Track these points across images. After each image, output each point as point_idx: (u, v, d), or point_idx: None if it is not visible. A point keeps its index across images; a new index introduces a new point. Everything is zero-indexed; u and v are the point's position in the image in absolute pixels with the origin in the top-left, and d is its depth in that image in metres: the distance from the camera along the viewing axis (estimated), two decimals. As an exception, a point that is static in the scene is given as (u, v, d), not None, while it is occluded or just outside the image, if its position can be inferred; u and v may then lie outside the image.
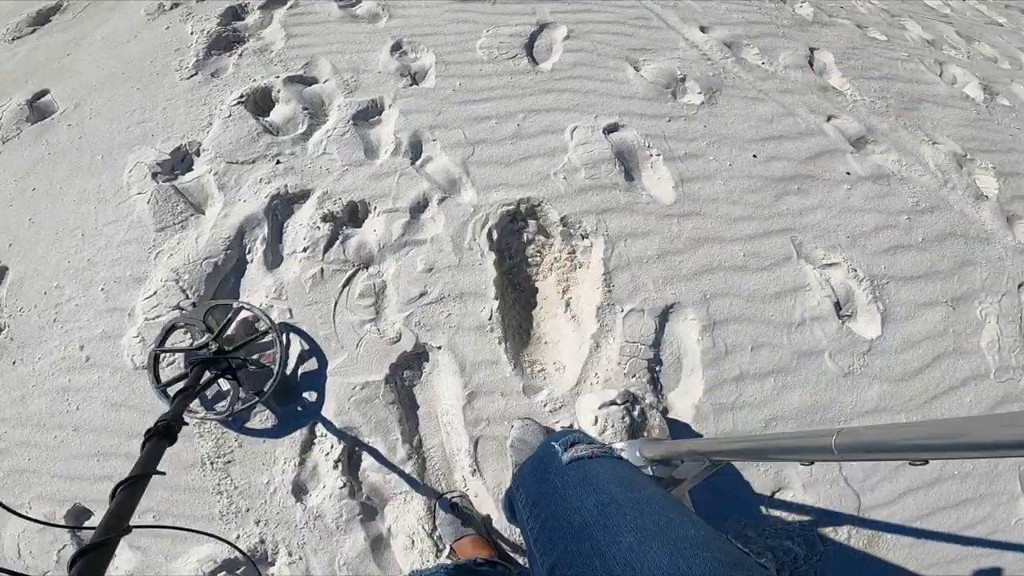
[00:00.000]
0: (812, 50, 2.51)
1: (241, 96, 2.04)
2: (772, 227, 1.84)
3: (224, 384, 1.48)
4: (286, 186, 1.80)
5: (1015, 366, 1.74)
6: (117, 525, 0.60)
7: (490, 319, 1.63)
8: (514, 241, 1.80)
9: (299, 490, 1.43)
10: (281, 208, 1.79)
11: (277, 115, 2.03)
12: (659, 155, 1.96)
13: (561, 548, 0.62)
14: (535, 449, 1.17)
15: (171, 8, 2.50)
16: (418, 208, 1.80)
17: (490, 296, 1.66)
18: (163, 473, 0.75)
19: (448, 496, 1.42)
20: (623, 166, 1.91)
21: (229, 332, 1.53)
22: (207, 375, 1.29)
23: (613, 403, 1.45)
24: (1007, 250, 1.94)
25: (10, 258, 1.76)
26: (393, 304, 1.64)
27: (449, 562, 1.22)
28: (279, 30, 2.33)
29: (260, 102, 2.09)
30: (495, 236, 1.76)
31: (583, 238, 1.77)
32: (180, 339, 1.55)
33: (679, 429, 1.52)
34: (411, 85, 2.12)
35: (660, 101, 2.12)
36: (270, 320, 1.52)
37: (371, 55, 2.22)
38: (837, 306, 1.74)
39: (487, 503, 1.44)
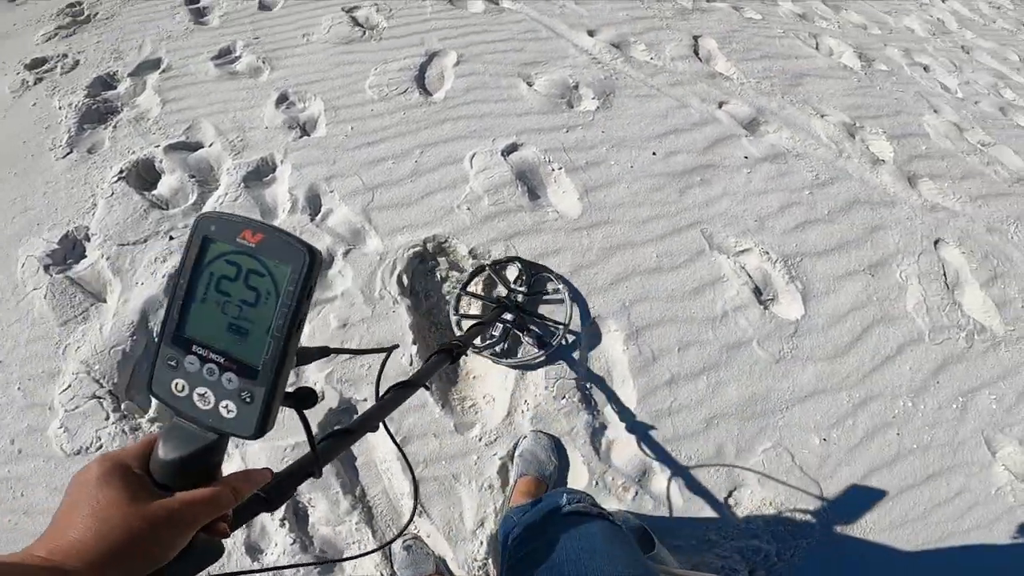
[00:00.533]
0: (696, 38, 2.57)
1: (121, 171, 1.95)
2: (681, 223, 1.86)
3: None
4: None
5: (948, 325, 1.77)
6: (374, 419, 0.65)
7: (411, 365, 1.59)
8: (428, 281, 1.77)
9: (253, 550, 1.41)
10: (180, 287, 1.71)
11: (164, 187, 1.94)
12: (560, 168, 1.95)
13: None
14: (542, 464, 1.37)
15: (35, 83, 2.38)
16: (324, 265, 1.74)
17: (408, 342, 1.62)
18: (429, 387, 0.90)
19: (402, 540, 1.42)
20: (526, 186, 1.90)
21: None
22: (505, 317, 1.48)
23: None
24: (915, 209, 2.01)
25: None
26: (312, 365, 1.59)
27: None
28: (153, 96, 2.24)
29: (144, 175, 2.00)
30: (406, 280, 1.72)
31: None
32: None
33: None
34: (301, 137, 2.06)
35: (556, 113, 2.13)
36: (568, 285, 1.68)
37: (255, 111, 2.15)
38: (757, 292, 1.76)
39: (440, 542, 1.43)
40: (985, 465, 1.57)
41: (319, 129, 2.09)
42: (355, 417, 0.64)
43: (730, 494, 1.50)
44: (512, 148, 2.00)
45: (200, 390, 0.43)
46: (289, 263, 0.41)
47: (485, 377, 1.65)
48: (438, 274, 1.77)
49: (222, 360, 0.42)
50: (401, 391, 0.72)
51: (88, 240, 1.81)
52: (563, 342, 1.62)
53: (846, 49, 2.66)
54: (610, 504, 1.44)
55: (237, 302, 0.42)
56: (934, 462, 1.56)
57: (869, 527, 1.48)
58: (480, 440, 1.52)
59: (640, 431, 1.53)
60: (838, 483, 1.53)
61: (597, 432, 1.54)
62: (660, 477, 1.49)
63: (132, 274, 1.73)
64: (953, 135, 2.36)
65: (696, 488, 1.49)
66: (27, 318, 1.69)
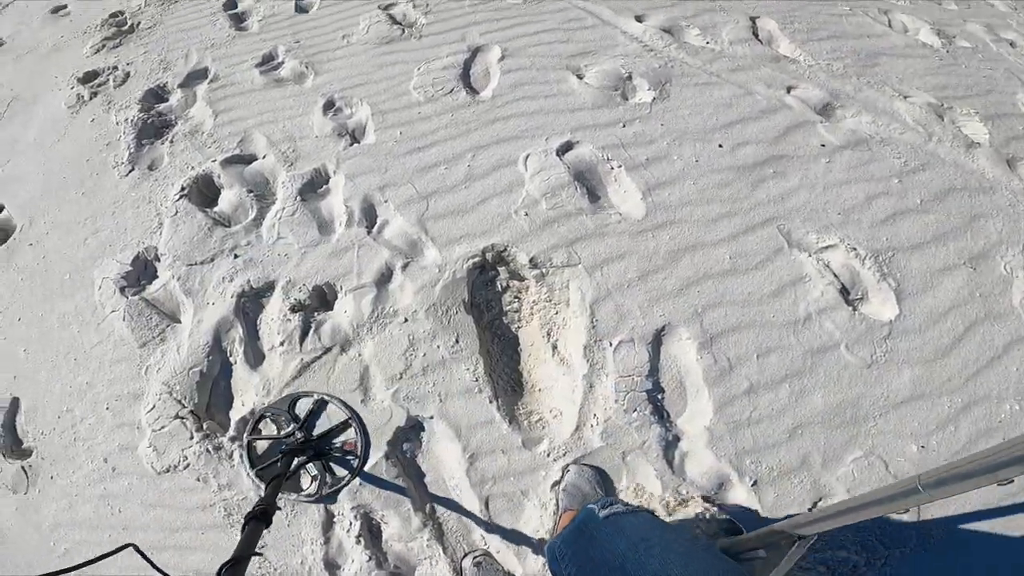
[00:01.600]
0: (753, 19, 2.41)
1: (183, 188, 1.98)
2: (755, 220, 1.74)
3: (312, 468, 1.57)
4: (249, 281, 1.75)
5: None
6: None
7: (476, 380, 1.56)
8: (489, 292, 1.71)
9: (331, 566, 1.45)
10: (250, 305, 1.74)
11: (224, 203, 1.96)
12: (620, 166, 1.86)
13: None
14: (586, 496, 1.35)
15: (90, 98, 2.44)
16: (383, 280, 1.71)
17: (473, 357, 1.58)
18: (261, 554, 0.92)
19: (472, 555, 1.43)
20: (585, 187, 1.82)
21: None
22: (296, 461, 1.42)
23: None
24: (1016, 195, 1.83)
25: (18, 389, 1.77)
26: (378, 383, 1.58)
27: None
28: (205, 108, 2.25)
29: (204, 191, 2.02)
30: (467, 293, 1.68)
31: (558, 275, 1.69)
32: (269, 428, 1.63)
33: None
34: (352, 144, 2.03)
35: (611, 107, 2.03)
36: (350, 409, 1.58)
37: (304, 119, 2.14)
38: (844, 292, 1.64)
39: (509, 558, 1.42)
40: None
41: (368, 136, 2.05)
42: None
43: (815, 504, 1.41)
44: (567, 147, 1.92)
45: None
46: None
47: (551, 390, 1.59)
48: (498, 284, 1.72)
49: None
50: (233, 569, 0.74)
51: (158, 260, 1.87)
52: (361, 465, 1.51)
53: (922, 25, 2.45)
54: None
55: None
56: None
57: (971, 537, 1.37)
58: (548, 456, 1.48)
59: (717, 443, 1.45)
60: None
61: (671, 445, 1.47)
62: (739, 489, 1.41)
63: (203, 294, 1.77)
64: (1052, 112, 2.15)
65: (778, 500, 1.41)
66: (109, 340, 1.76)
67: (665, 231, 1.72)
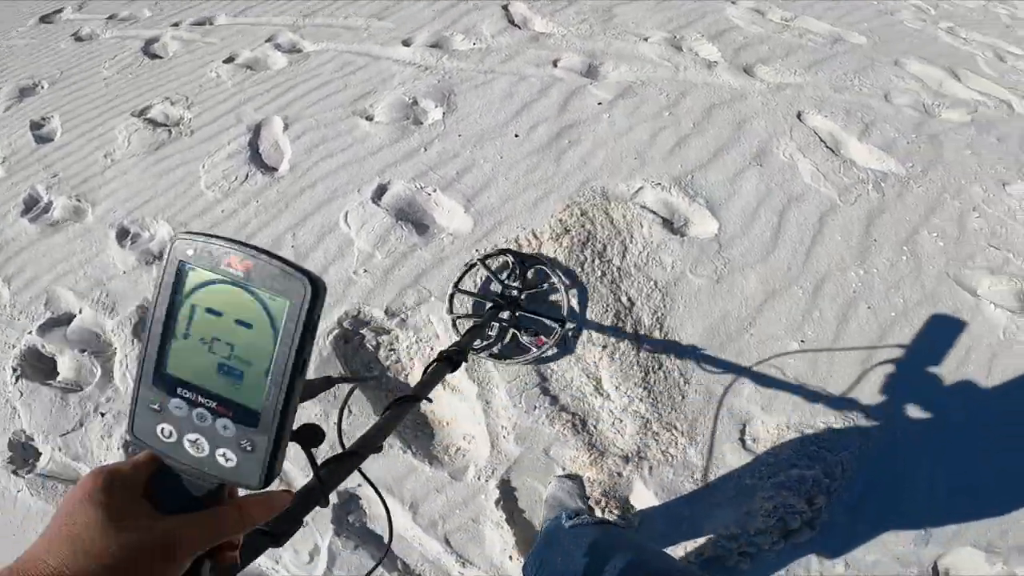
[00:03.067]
0: (505, 7, 2.61)
1: (15, 370, 1.77)
2: (569, 189, 1.89)
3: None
4: (125, 433, 1.61)
5: (852, 183, 1.87)
6: (376, 439, 0.65)
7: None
8: (363, 355, 1.71)
9: None
10: (137, 450, 1.60)
11: (65, 370, 1.77)
12: (435, 189, 1.93)
13: None
14: (564, 507, 1.39)
15: None
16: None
17: (370, 420, 1.58)
18: (431, 399, 0.84)
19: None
20: (410, 222, 1.87)
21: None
22: (501, 318, 1.47)
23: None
24: (763, 94, 2.13)
25: None
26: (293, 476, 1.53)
27: None
28: (-10, 280, 2.01)
29: (38, 364, 1.81)
30: (341, 366, 1.67)
31: (416, 314, 1.73)
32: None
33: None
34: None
35: (407, 136, 2.10)
36: (568, 291, 1.64)
37: (102, 258, 1.97)
38: (668, 224, 1.82)
39: None
40: (972, 308, 1.64)
41: (176, 255, 1.95)
42: (356, 438, 0.63)
43: (743, 434, 1.52)
44: (381, 191, 1.95)
45: (191, 436, 0.39)
46: (287, 296, 0.37)
47: (456, 419, 1.63)
48: (368, 344, 1.73)
49: (214, 405, 0.39)
50: (402, 406, 0.72)
51: (32, 440, 1.69)
52: (566, 336, 1.62)
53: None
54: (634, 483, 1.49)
55: (227, 341, 0.38)
56: (920, 321, 1.61)
57: (900, 409, 1.49)
58: (479, 478, 1.52)
59: (629, 407, 1.57)
60: (842, 380, 1.55)
61: (584, 421, 1.57)
62: (668, 439, 1.54)
63: (91, 456, 1.64)
64: (758, 20, 2.53)
65: (705, 442, 1.52)
66: (31, 514, 1.59)
67: (497, 232, 1.82)
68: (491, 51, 2.38)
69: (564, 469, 1.52)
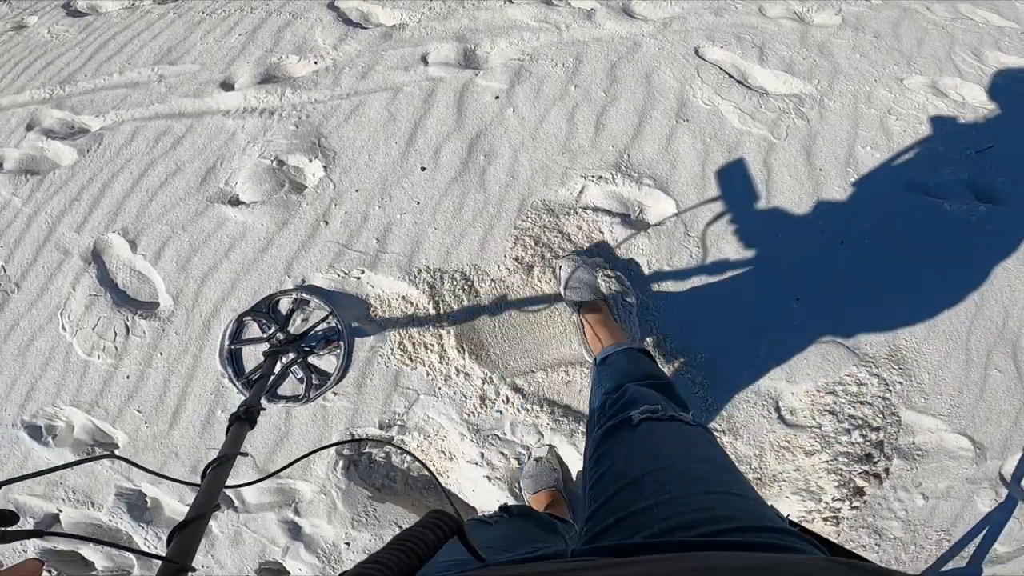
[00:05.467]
0: (332, 5, 2.19)
1: None
2: (509, 214, 1.69)
3: (299, 372, 1.55)
4: None
5: (776, 114, 1.84)
6: (208, 503, 0.70)
7: None
8: (376, 468, 1.52)
9: None
10: None
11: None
12: (363, 270, 1.66)
13: (611, 493, 0.69)
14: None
15: None
16: None
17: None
18: (247, 454, 0.86)
19: (536, 449, 1.51)
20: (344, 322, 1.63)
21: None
22: (281, 363, 1.46)
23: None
24: (655, 36, 2.01)
25: None
26: None
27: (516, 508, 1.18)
28: None
29: None
30: (366, 487, 1.47)
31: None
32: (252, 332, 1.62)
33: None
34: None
35: (296, 212, 1.76)
36: (329, 306, 1.58)
37: (33, 460, 1.52)
38: (626, 220, 1.71)
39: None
40: (932, 209, 1.77)
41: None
42: (192, 504, 0.69)
43: (778, 410, 1.57)
44: (300, 286, 1.65)
45: None
46: None
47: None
48: (378, 460, 1.53)
49: None
50: (217, 468, 0.77)
51: None
52: (344, 365, 1.57)
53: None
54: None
55: None
56: (893, 242, 1.70)
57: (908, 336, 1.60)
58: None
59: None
60: (848, 326, 1.62)
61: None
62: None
63: None
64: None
65: (748, 430, 1.58)
66: None
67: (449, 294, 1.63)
68: (342, 67, 2.02)
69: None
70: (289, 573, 1.52)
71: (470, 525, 0.93)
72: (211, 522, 1.53)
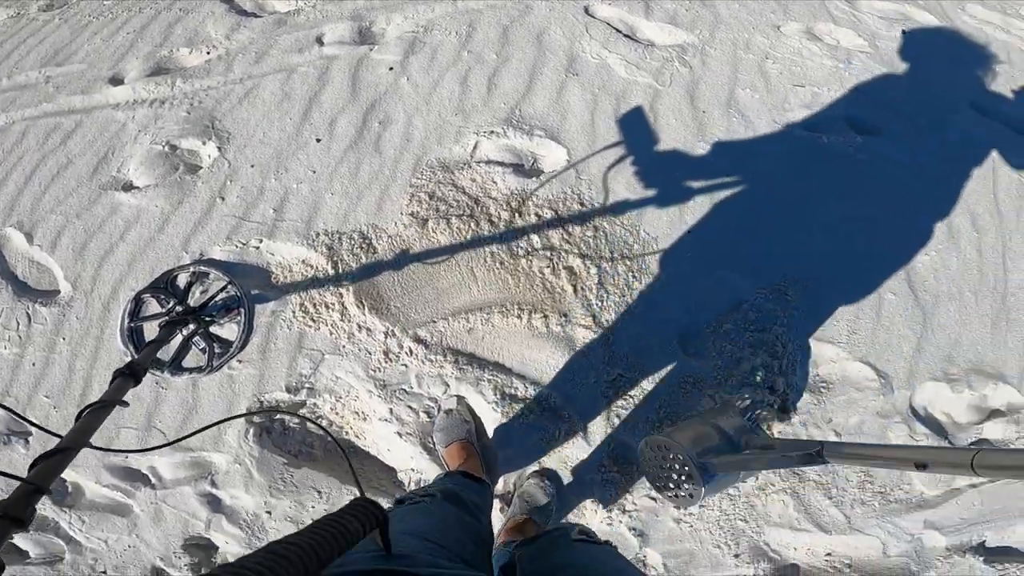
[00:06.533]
0: (227, -4, 2.25)
1: None
2: (403, 174, 1.74)
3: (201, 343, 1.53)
4: None
5: (660, 63, 1.96)
6: (80, 440, 0.73)
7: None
8: (291, 435, 1.51)
9: None
10: None
11: None
12: (262, 239, 1.68)
13: None
14: (540, 507, 1.44)
15: None
16: None
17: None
18: (127, 403, 0.88)
19: (446, 401, 1.53)
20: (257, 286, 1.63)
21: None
22: (182, 334, 1.42)
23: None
24: None
25: None
26: None
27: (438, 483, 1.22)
28: None
29: None
30: (281, 455, 1.45)
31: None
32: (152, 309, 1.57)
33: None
34: None
35: (192, 192, 1.76)
36: (228, 276, 1.55)
37: None
38: (520, 170, 1.77)
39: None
40: (816, 146, 1.92)
41: None
42: (63, 437, 0.73)
43: (685, 347, 1.63)
44: (198, 260, 1.65)
45: None
46: None
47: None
48: (292, 426, 1.53)
49: None
50: (94, 412, 0.80)
51: None
52: (246, 333, 1.55)
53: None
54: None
55: None
56: (770, 175, 1.81)
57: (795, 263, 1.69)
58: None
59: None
60: (739, 257, 1.70)
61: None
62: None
63: None
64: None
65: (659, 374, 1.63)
66: None
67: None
68: (235, 55, 2.05)
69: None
70: (217, 547, 1.50)
71: (401, 511, 0.96)
72: (130, 501, 1.51)
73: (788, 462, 0.95)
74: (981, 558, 1.55)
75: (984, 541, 1.56)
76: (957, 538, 1.53)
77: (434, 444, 1.51)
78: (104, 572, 1.49)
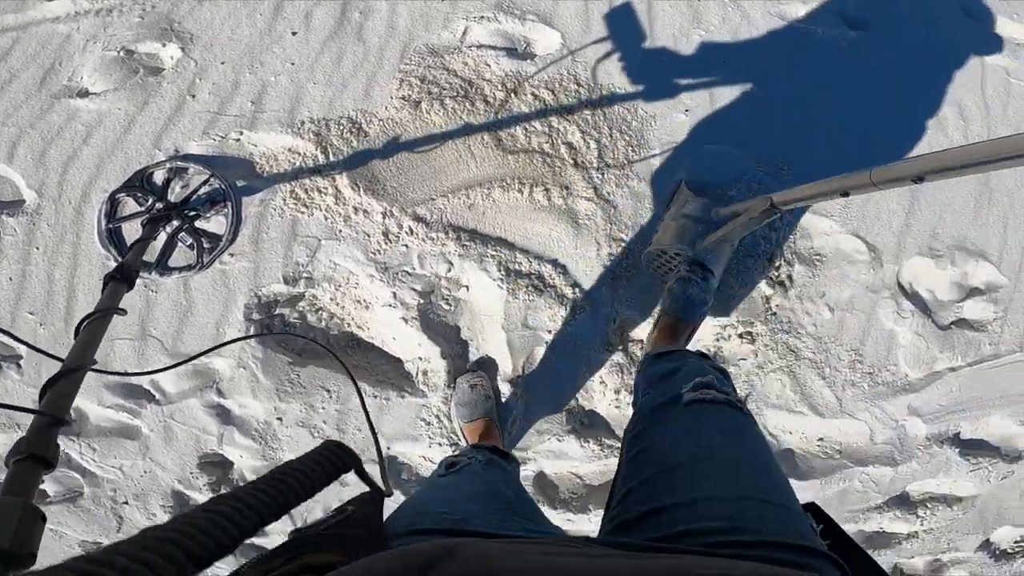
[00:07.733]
0: None
1: None
2: (393, 61, 1.67)
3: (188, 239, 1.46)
4: None
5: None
6: (85, 356, 0.69)
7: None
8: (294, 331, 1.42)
9: None
10: None
11: None
12: (242, 131, 1.58)
13: (644, 477, 0.70)
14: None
15: None
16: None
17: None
18: (124, 311, 0.83)
19: (470, 376, 1.51)
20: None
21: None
22: (166, 231, 1.37)
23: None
24: None
25: None
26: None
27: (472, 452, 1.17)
28: None
29: None
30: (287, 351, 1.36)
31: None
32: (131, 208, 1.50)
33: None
34: None
35: (157, 92, 1.64)
36: (209, 169, 1.49)
37: None
38: (514, 52, 1.73)
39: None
40: (805, 35, 1.87)
41: None
42: (67, 356, 0.68)
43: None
44: (174, 155, 1.54)
45: None
46: None
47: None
48: (293, 321, 1.43)
49: None
50: (93, 322, 0.77)
51: None
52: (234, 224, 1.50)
53: None
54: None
55: None
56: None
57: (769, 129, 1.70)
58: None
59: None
60: (727, 131, 1.69)
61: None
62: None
63: None
64: None
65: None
66: None
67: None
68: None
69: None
70: (232, 463, 1.41)
71: (442, 480, 0.92)
72: (137, 422, 1.41)
73: (756, 222, 1.12)
74: (957, 450, 1.64)
75: (959, 432, 1.62)
76: (936, 427, 1.59)
77: (452, 417, 1.48)
78: (126, 502, 1.39)
